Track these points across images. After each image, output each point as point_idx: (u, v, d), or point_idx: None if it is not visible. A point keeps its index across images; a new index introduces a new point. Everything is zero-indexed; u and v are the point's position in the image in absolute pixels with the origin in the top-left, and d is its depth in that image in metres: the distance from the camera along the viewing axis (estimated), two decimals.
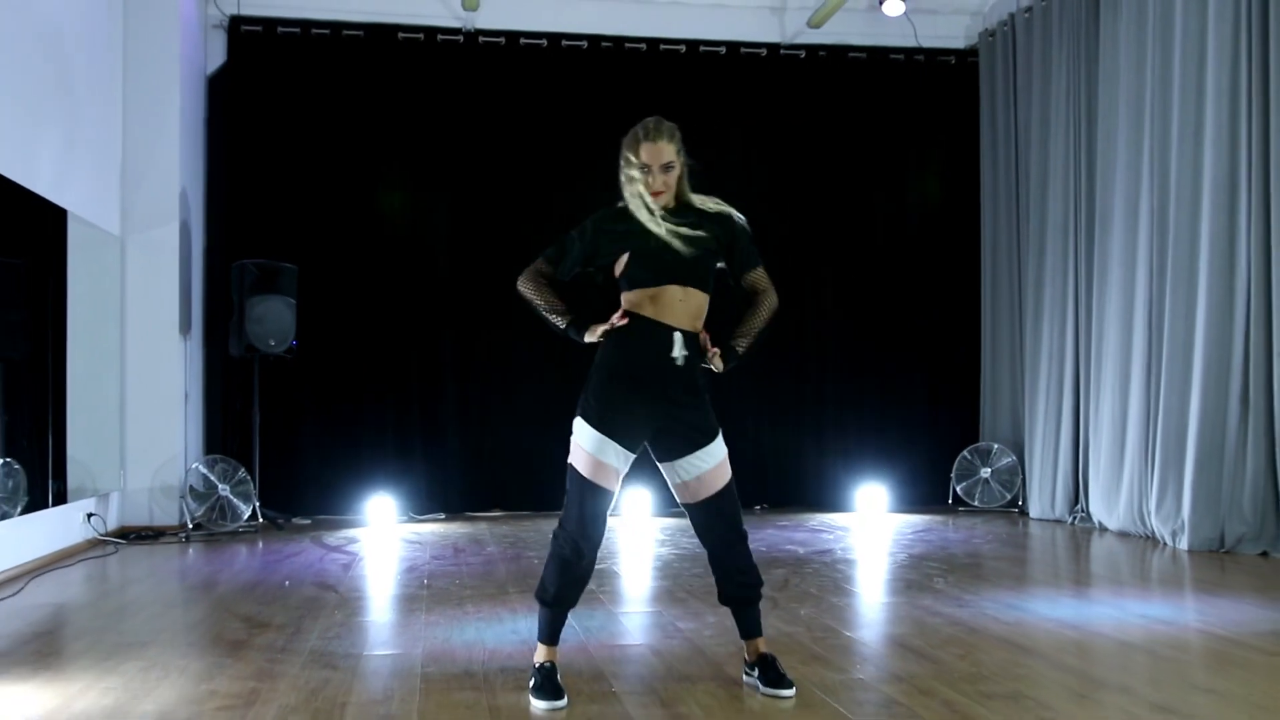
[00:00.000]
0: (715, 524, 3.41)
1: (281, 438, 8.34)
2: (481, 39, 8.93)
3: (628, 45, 9.13)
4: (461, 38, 8.90)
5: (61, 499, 6.76)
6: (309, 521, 8.18)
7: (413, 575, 5.89)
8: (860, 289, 9.29)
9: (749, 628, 3.47)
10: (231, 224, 8.52)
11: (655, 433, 3.38)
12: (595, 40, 9.08)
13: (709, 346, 3.41)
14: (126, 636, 4.35)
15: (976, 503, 8.76)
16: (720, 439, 3.41)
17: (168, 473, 7.75)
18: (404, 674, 3.67)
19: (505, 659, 3.88)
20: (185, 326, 8.00)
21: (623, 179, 3.41)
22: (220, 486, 7.64)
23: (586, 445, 3.32)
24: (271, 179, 8.56)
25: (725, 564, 3.44)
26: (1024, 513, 8.60)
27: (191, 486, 7.65)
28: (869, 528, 7.84)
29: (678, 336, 3.33)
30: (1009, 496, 8.72)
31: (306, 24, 8.69)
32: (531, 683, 3.33)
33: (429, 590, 5.37)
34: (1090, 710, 3.20)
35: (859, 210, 9.34)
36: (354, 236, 8.65)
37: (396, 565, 6.29)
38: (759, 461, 8.91)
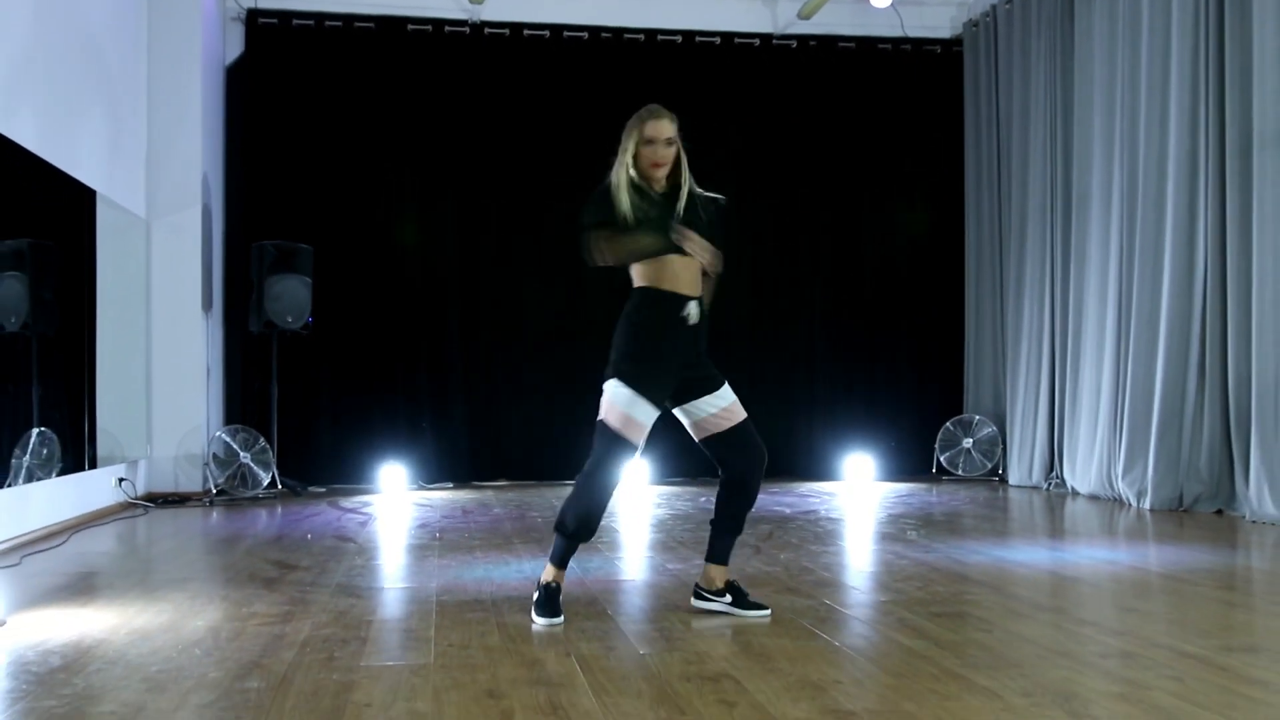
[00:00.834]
0: (742, 445, 3.77)
1: (298, 410, 8.80)
2: (487, 30, 9.37)
3: (626, 36, 9.56)
4: (468, 29, 9.33)
5: (93, 465, 7.22)
6: (324, 489, 8.64)
7: (425, 530, 6.35)
8: (849, 269, 9.73)
9: (720, 554, 3.88)
10: (250, 207, 8.97)
11: (675, 390, 3.77)
12: (595, 31, 9.51)
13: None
14: (169, 574, 4.82)
15: (960, 472, 9.21)
16: (726, 385, 3.83)
17: (191, 442, 8.21)
18: (421, 600, 4.13)
19: (511, 590, 4.33)
20: (207, 304, 8.46)
21: (617, 160, 3.79)
22: (241, 454, 8.10)
23: (619, 402, 3.70)
24: (287, 164, 9.00)
25: (739, 487, 3.80)
26: (1004, 480, 9.05)
27: (215, 454, 8.12)
28: (855, 494, 8.29)
29: (692, 305, 3.76)
30: (990, 465, 9.16)
31: (320, 16, 9.13)
32: (535, 598, 3.77)
33: (440, 541, 5.83)
34: (1024, 624, 3.64)
35: (847, 193, 9.76)
36: (366, 218, 9.10)
37: (409, 523, 6.75)
38: None
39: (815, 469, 9.42)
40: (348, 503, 7.82)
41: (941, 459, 9.26)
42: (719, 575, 3.87)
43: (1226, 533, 5.94)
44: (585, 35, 9.51)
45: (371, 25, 9.20)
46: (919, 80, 9.91)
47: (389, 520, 6.89)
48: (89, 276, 7.33)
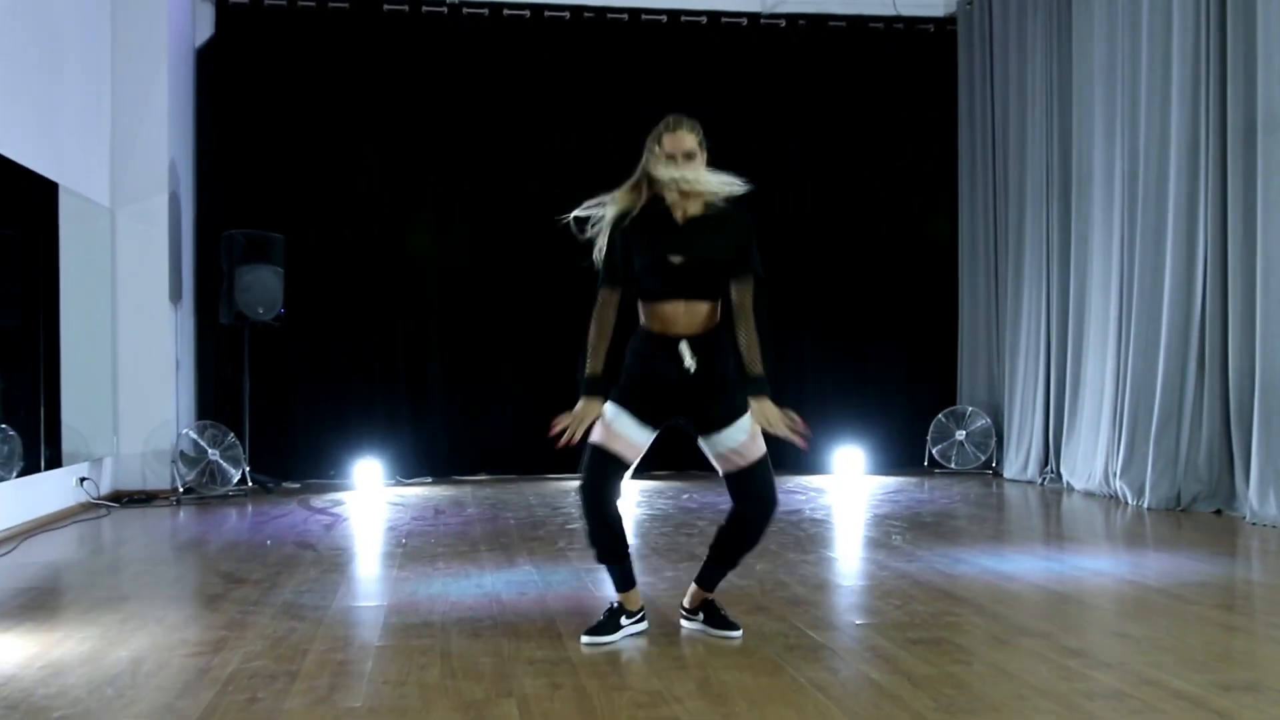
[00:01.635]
0: (749, 492, 3.57)
1: (271, 404, 8.54)
2: (466, 11, 9.06)
3: (609, 16, 9.25)
4: (445, 9, 9.02)
5: (56, 464, 6.98)
6: (298, 486, 8.40)
7: (391, 534, 6.10)
8: (840, 256, 9.44)
9: (707, 581, 3.69)
10: (222, 194, 8.69)
11: (683, 418, 3.58)
12: (577, 11, 9.21)
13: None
14: (109, 591, 4.57)
15: (952, 465, 8.95)
16: (747, 417, 3.54)
17: (160, 438, 7.96)
18: (366, 624, 3.88)
19: (465, 610, 4.08)
20: (176, 295, 8.19)
21: (653, 165, 3.53)
22: (210, 451, 7.85)
23: (605, 415, 3.51)
24: (260, 150, 8.72)
25: (741, 529, 3.61)
26: (998, 474, 8.79)
27: (182, 452, 7.87)
28: (843, 489, 8.03)
29: (684, 346, 3.48)
30: (983, 458, 8.90)
31: None
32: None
33: (404, 548, 5.58)
34: (1005, 653, 3.39)
35: (838, 177, 9.47)
36: (341, 206, 8.81)
37: (377, 525, 6.51)
38: None
39: (804, 462, 9.10)
40: (319, 501, 7.57)
41: (933, 452, 9.00)
42: (696, 595, 3.73)
43: (1225, 536, 5.69)
44: (567, 15, 9.20)
45: (346, 5, 8.90)
46: (912, 60, 9.60)
47: (357, 522, 6.64)
48: (51, 268, 7.07)
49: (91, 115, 7.63)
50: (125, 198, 7.95)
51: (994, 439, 8.90)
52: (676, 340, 3.48)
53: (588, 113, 9.14)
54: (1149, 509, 6.66)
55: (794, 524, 6.29)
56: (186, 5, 8.56)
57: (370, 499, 7.71)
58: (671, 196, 3.50)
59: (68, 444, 7.17)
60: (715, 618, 3.67)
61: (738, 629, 3.62)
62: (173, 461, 7.82)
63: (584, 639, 3.53)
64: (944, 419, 9.03)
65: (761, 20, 9.44)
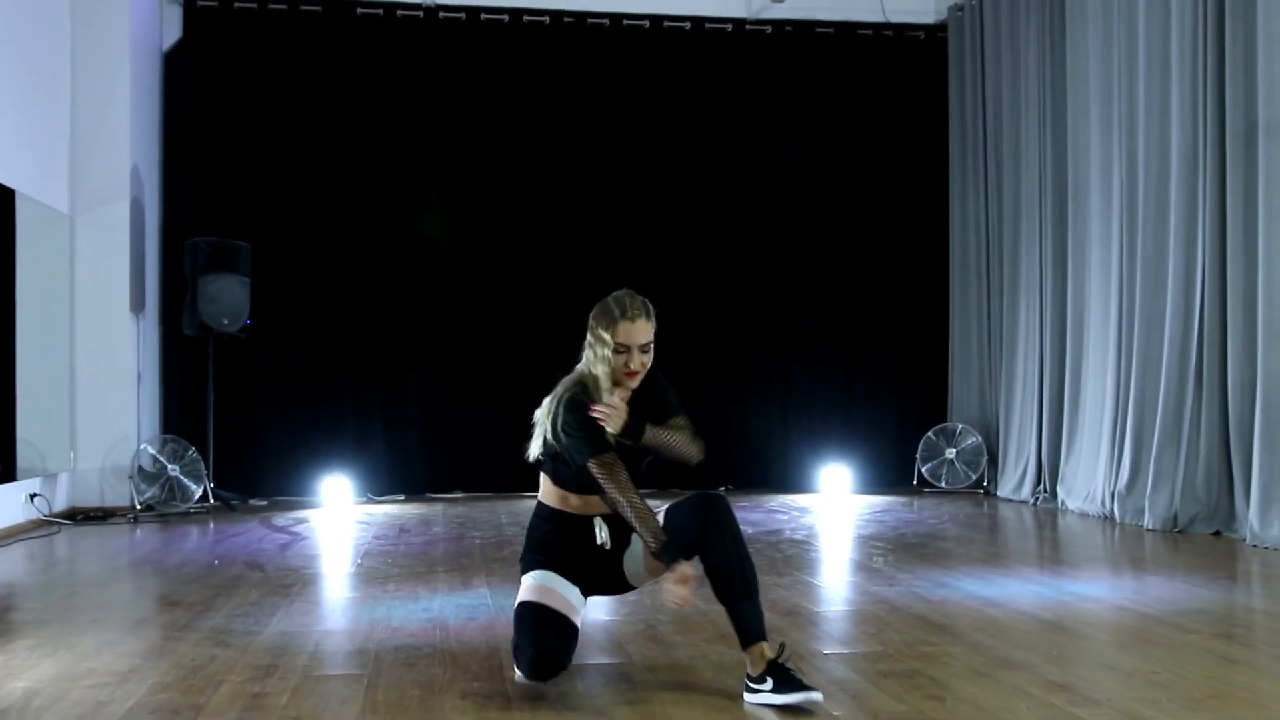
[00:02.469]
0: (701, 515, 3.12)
1: (237, 418, 8.25)
2: (442, 14, 8.82)
3: (590, 21, 9.01)
4: (421, 13, 8.79)
5: (10, 478, 6.69)
6: (265, 503, 8.10)
7: (348, 555, 5.80)
8: (827, 268, 9.16)
9: (746, 627, 3.07)
10: (188, 201, 8.42)
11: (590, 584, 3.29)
12: (557, 16, 8.96)
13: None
14: (29, 615, 4.27)
15: (943, 484, 8.65)
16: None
17: (119, 453, 7.67)
18: (294, 651, 3.59)
19: (406, 637, 3.79)
20: (138, 305, 7.91)
21: (591, 355, 3.18)
22: (170, 467, 7.56)
23: (531, 580, 3.21)
24: (229, 156, 8.46)
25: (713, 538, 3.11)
26: (989, 494, 8.50)
27: (140, 467, 7.57)
28: (828, 509, 7.74)
29: (599, 522, 3.24)
30: (974, 477, 8.61)
31: None
32: None
33: (358, 569, 5.29)
34: (983, 688, 3.10)
35: (825, 189, 9.20)
36: (312, 215, 8.55)
37: (336, 545, 6.21)
38: (724, 442, 8.72)
39: (790, 481, 8.86)
40: (281, 520, 7.27)
41: (923, 470, 8.70)
42: (756, 655, 3.02)
43: (1225, 560, 5.39)
44: (546, 20, 8.95)
45: (318, 9, 8.65)
46: (901, 68, 9.35)
47: (315, 542, 6.34)
48: (7, 276, 6.80)
49: (50, 119, 7.37)
50: (85, 204, 7.69)
51: (985, 457, 8.61)
52: (591, 519, 3.24)
53: (566, 120, 8.90)
54: (1148, 530, 6.37)
55: (772, 545, 5.99)
56: (152, 7, 8.32)
57: (336, 517, 7.42)
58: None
59: (22, 459, 6.87)
60: (784, 682, 2.94)
61: (816, 691, 2.93)
62: (130, 477, 7.52)
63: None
64: (934, 436, 8.74)
65: (747, 26, 9.20)
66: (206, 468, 7.71)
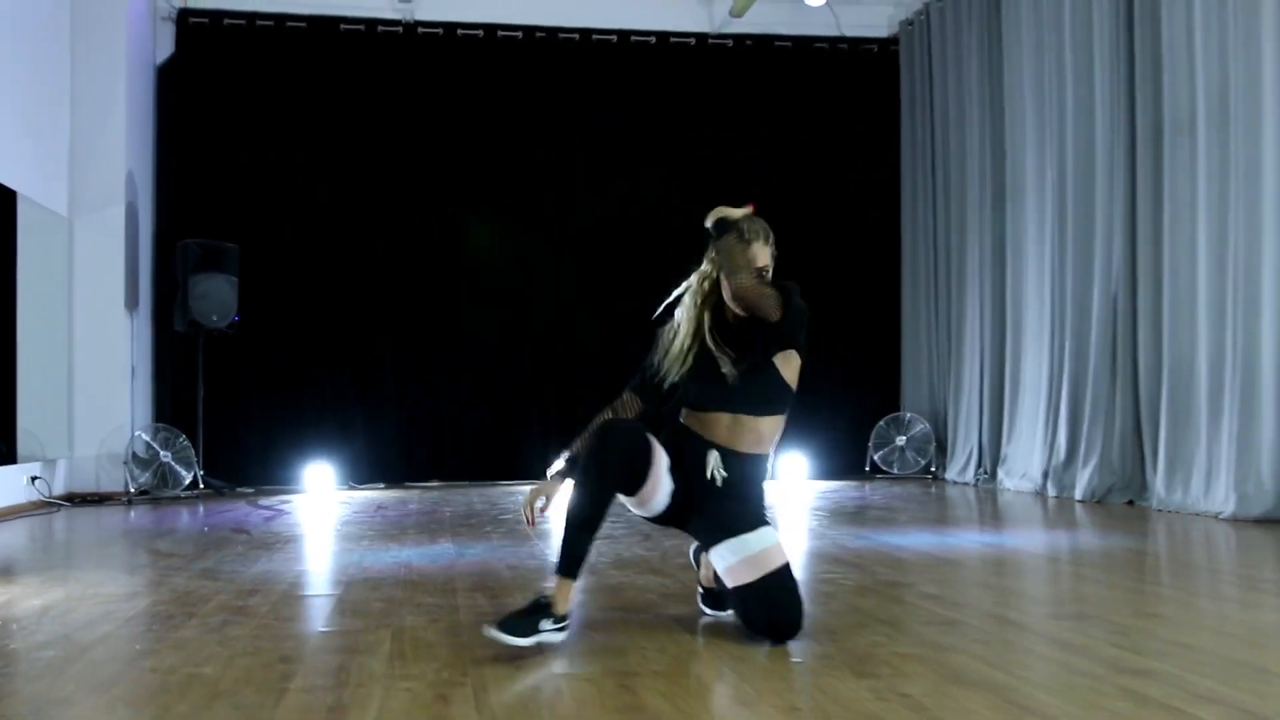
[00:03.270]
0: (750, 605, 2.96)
1: (226, 410, 8.73)
2: (420, 30, 9.35)
3: (561, 35, 9.55)
4: (401, 29, 9.31)
5: (11, 461, 7.16)
6: (251, 490, 8.57)
7: (327, 523, 6.29)
8: (785, 267, 9.65)
9: None
10: (179, 205, 8.92)
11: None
12: (530, 31, 9.50)
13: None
14: (37, 564, 4.76)
15: (894, 470, 9.16)
16: (762, 531, 3.01)
17: (114, 442, 8.14)
18: (274, 582, 4.07)
19: (374, 572, 4.28)
20: (132, 303, 8.40)
21: (728, 276, 3.22)
22: (162, 453, 8.04)
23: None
24: (218, 163, 8.97)
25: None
26: (937, 478, 9.01)
27: (135, 453, 8.05)
28: (782, 491, 8.23)
29: (713, 455, 3.08)
30: (923, 463, 9.12)
31: (252, 16, 9.10)
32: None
33: (336, 532, 5.77)
34: (866, 597, 3.60)
35: (785, 192, 9.70)
36: (297, 218, 9.06)
37: (317, 518, 6.69)
38: None
39: None
40: (268, 501, 7.76)
41: (875, 457, 9.22)
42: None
43: (1128, 521, 5.90)
44: (519, 35, 9.49)
45: (304, 25, 9.17)
46: (857, 79, 9.90)
47: (298, 517, 6.82)
48: (9, 275, 7.29)
49: (51, 128, 7.87)
50: (83, 208, 8.18)
51: (933, 444, 9.12)
52: (707, 447, 3.10)
53: (539, 129, 9.42)
54: (1077, 501, 6.88)
55: None
56: (147, 23, 8.83)
57: (319, 500, 7.89)
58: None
59: (23, 447, 7.35)
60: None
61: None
62: (125, 463, 8.00)
63: (493, 631, 2.77)
64: (885, 425, 9.26)
65: (710, 40, 9.75)
66: (196, 456, 8.19)
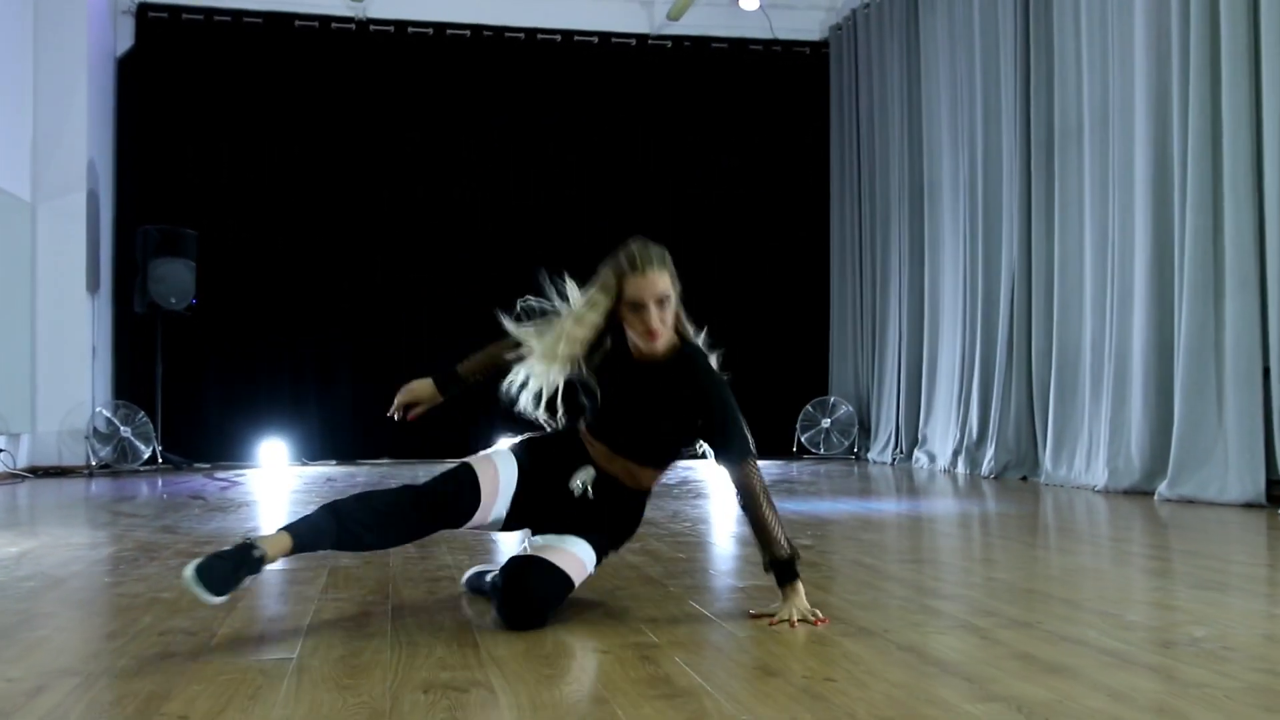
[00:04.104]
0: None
1: (183, 388, 9.16)
2: (372, 27, 9.79)
3: (508, 35, 10.02)
4: (354, 26, 9.75)
5: None
6: (208, 466, 9.00)
7: (276, 492, 6.75)
8: (718, 259, 10.22)
9: None
10: (140, 192, 9.32)
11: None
12: (478, 30, 9.96)
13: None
14: (8, 519, 5.19)
15: (820, 451, 9.72)
16: (584, 544, 2.81)
17: (76, 418, 8.55)
18: (229, 535, 4.54)
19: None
20: (93, 286, 8.79)
21: (582, 306, 2.85)
22: (122, 429, 8.45)
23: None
24: (178, 152, 9.38)
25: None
26: (860, 458, 9.59)
27: (96, 429, 8.46)
28: (707, 470, 8.74)
29: (588, 471, 2.87)
30: (846, 444, 9.70)
31: (209, 11, 9.51)
32: None
33: (283, 499, 6.23)
34: (739, 545, 4.12)
35: (722, 190, 10.27)
36: (253, 204, 9.49)
37: (270, 489, 7.14)
38: None
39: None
40: (223, 475, 8.19)
41: (802, 439, 9.78)
42: None
43: (1015, 492, 6.46)
44: (468, 33, 9.95)
45: (259, 21, 9.59)
46: (789, 81, 10.45)
47: (252, 488, 7.27)
48: None
49: (14, 118, 8.25)
50: (46, 194, 8.56)
51: (856, 426, 9.69)
52: (585, 462, 2.88)
53: (484, 124, 9.89)
54: (981, 477, 7.46)
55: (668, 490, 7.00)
56: (107, 17, 9.21)
57: (272, 474, 8.33)
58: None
59: None
60: None
61: None
62: (87, 437, 8.41)
63: (189, 574, 2.46)
64: (811, 408, 9.82)
65: (649, 41, 10.25)
66: (155, 432, 8.61)
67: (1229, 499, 5.39)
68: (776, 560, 2.74)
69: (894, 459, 9.01)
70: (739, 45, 10.40)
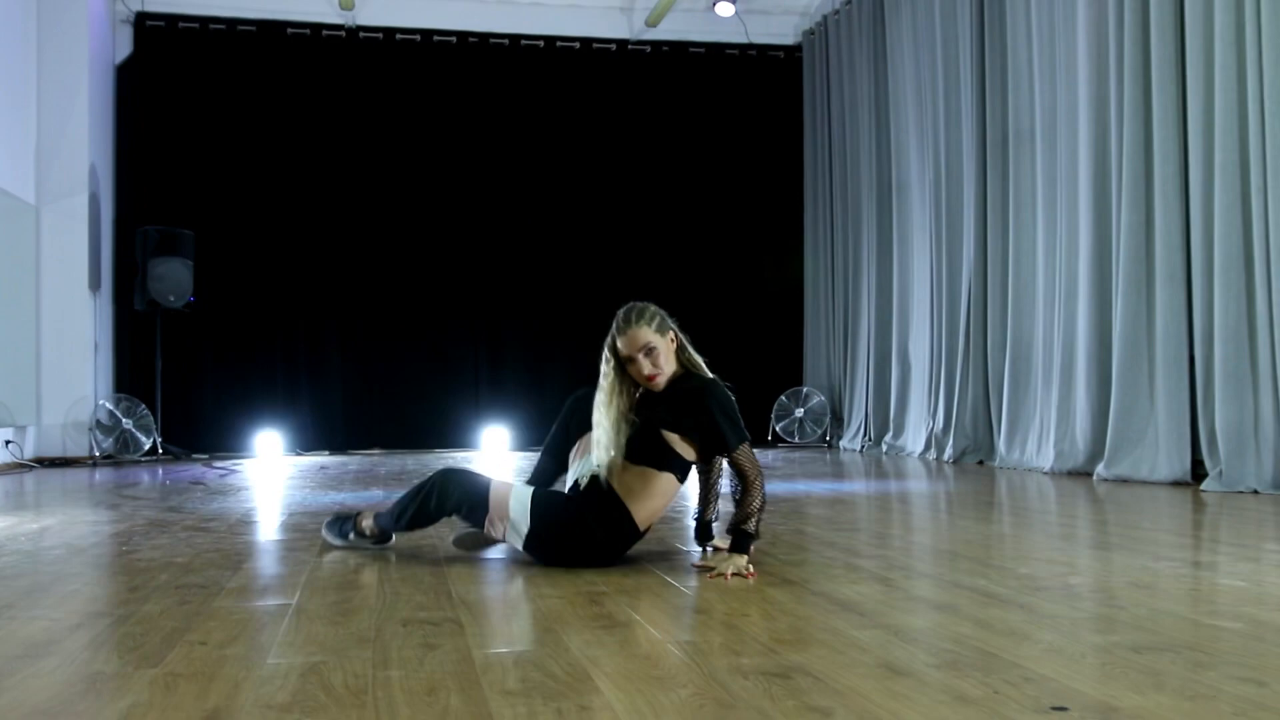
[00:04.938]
0: None
1: (182, 382, 9.55)
2: (362, 34, 10.17)
3: (492, 41, 10.40)
4: (344, 33, 10.12)
5: None
6: (206, 456, 9.38)
7: (273, 479, 7.14)
8: (696, 256, 10.63)
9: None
10: (140, 194, 9.69)
11: None
12: (463, 36, 10.35)
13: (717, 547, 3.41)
14: (24, 503, 5.58)
15: (795, 439, 10.13)
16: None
17: (79, 411, 8.93)
18: (227, 516, 4.94)
19: (314, 508, 5.15)
20: (95, 284, 9.17)
21: (604, 391, 3.30)
22: (124, 421, 8.84)
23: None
24: (175, 156, 9.75)
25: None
26: (832, 446, 10.00)
27: (99, 421, 8.84)
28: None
29: (588, 462, 3.33)
30: (819, 432, 10.11)
31: (205, 20, 9.88)
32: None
33: (280, 484, 6.63)
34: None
35: (700, 191, 10.66)
36: (248, 205, 9.87)
37: (266, 476, 7.54)
38: None
39: None
40: (221, 464, 8.58)
41: (776, 428, 10.19)
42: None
43: (966, 475, 6.87)
44: (454, 39, 10.33)
45: (253, 28, 9.96)
46: (764, 84, 10.85)
47: (249, 475, 7.67)
48: None
49: (19, 124, 8.62)
50: (49, 196, 8.93)
51: (829, 415, 10.10)
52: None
53: (470, 127, 10.28)
54: (935, 460, 7.87)
55: None
56: (107, 26, 9.58)
57: (268, 464, 8.73)
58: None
59: None
60: None
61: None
62: (90, 429, 8.79)
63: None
64: (785, 399, 10.23)
65: (629, 47, 10.64)
66: (155, 424, 8.99)
67: (1159, 477, 5.81)
68: (740, 530, 3.21)
69: (863, 446, 9.42)
70: (715, 50, 10.80)
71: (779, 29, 10.93)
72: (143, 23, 9.80)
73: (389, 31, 10.22)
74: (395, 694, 1.92)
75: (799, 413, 10.16)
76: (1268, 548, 3.58)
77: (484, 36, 10.38)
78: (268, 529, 4.41)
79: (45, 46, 8.92)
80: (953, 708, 1.79)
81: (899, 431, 9.03)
